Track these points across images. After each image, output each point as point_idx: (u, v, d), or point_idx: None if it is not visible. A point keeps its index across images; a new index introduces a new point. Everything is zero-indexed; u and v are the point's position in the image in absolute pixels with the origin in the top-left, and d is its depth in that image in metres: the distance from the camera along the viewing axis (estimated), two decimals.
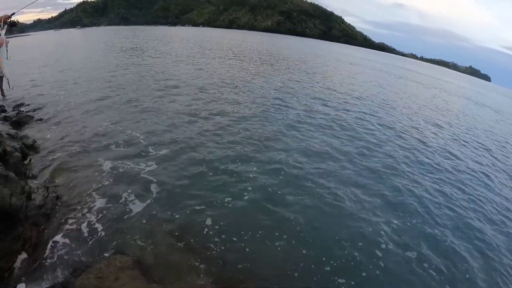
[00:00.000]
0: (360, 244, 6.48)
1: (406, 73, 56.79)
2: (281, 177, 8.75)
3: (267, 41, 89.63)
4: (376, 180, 9.43)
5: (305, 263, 5.74)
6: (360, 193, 8.49)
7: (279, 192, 8.00)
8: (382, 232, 6.97)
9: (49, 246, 5.32)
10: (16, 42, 65.38)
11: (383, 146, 12.50)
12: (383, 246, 6.54)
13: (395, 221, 7.49)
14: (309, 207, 7.54)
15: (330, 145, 11.61)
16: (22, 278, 4.59)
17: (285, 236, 6.37)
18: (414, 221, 7.70)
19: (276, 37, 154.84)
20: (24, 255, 4.94)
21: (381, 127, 15.26)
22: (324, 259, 5.93)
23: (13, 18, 6.40)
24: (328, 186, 8.59)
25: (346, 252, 6.18)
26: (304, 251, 6.02)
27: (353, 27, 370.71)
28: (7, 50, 14.44)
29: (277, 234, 6.42)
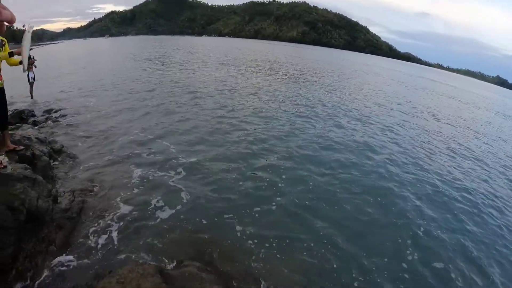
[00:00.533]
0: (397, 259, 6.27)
1: (436, 87, 55.17)
2: (310, 187, 8.65)
3: (293, 52, 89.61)
4: (408, 192, 9.12)
5: (333, 275, 5.59)
6: (393, 205, 8.27)
7: (309, 201, 7.88)
8: (417, 246, 6.71)
9: (72, 249, 5.40)
10: (47, 49, 68.08)
11: (415, 158, 12.10)
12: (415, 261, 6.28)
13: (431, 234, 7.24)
14: (340, 216, 7.42)
15: (360, 156, 11.43)
16: (45, 279, 4.67)
17: (315, 245, 6.25)
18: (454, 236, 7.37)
19: (301, 47, 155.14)
20: (48, 257, 5.02)
21: (413, 141, 14.73)
22: (353, 272, 5.72)
23: None
24: (359, 196, 8.41)
25: (374, 265, 5.97)
26: (334, 264, 5.83)
27: (378, 37, 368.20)
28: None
29: (310, 244, 6.29)
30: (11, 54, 5.46)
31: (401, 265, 6.08)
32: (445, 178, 10.56)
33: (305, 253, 6.04)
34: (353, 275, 5.61)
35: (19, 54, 5.55)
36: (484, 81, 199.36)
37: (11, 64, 5.67)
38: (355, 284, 5.43)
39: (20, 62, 5.38)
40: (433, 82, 65.77)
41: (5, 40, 5.51)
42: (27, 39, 5.11)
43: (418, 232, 7.23)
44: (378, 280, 5.60)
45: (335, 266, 5.77)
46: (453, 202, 9.03)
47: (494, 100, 52.14)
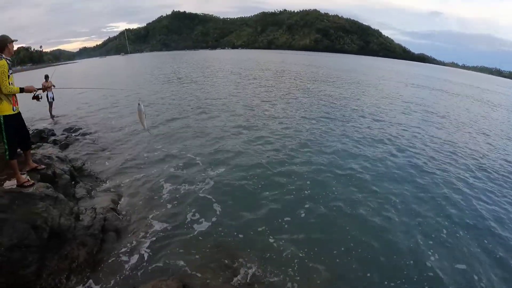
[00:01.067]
0: None
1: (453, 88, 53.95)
2: (337, 192, 8.54)
3: (306, 60, 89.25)
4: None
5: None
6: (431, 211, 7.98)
7: (338, 207, 7.76)
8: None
9: (96, 266, 5.43)
10: (66, 68, 69.95)
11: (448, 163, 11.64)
12: None
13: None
14: (373, 221, 7.26)
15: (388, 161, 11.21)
16: None
17: (348, 252, 6.12)
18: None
19: (315, 55, 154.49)
20: (71, 274, 5.06)
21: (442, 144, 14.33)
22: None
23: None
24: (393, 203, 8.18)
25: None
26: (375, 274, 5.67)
27: (391, 39, 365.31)
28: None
29: (343, 251, 6.19)
30: (21, 90, 5.59)
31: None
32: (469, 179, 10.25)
33: (339, 260, 5.92)
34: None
35: (28, 91, 5.80)
36: (501, 77, 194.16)
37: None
38: None
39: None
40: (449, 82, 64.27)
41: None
42: None
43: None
44: None
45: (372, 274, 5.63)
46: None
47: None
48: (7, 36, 5.30)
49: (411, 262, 6.00)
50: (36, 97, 6.38)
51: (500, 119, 23.33)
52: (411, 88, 37.63)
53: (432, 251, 6.36)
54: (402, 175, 10.02)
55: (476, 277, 5.75)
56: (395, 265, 5.91)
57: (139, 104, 6.54)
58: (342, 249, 6.19)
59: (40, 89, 6.39)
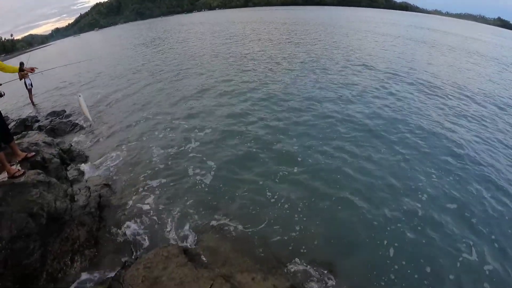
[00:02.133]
0: None
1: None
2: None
3: (285, 16, 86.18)
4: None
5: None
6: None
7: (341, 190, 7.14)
8: None
9: (97, 243, 5.57)
10: (39, 53, 67.46)
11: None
12: None
13: None
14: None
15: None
16: (74, 276, 4.84)
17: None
18: None
19: (295, 9, 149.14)
20: (74, 255, 5.18)
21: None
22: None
23: None
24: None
25: None
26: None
27: None
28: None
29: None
30: None
31: None
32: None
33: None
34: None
35: None
36: (486, 24, 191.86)
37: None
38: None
39: None
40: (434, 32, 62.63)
41: None
42: None
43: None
44: None
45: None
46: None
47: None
48: None
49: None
50: None
51: None
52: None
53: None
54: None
55: None
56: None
57: (79, 96, 6.32)
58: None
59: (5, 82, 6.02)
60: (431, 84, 15.47)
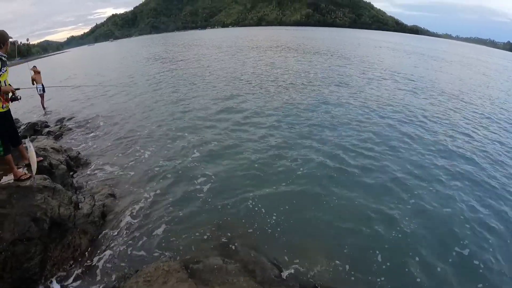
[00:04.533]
0: None
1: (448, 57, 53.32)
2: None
3: (299, 35, 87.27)
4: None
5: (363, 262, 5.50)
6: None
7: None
8: None
9: (98, 252, 5.52)
10: (54, 59, 68.78)
11: None
12: None
13: None
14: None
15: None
16: (73, 284, 4.79)
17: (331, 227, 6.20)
18: None
19: (307, 30, 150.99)
20: (74, 262, 5.15)
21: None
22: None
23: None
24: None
25: None
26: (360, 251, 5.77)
27: (383, 12, 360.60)
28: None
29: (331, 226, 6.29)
30: None
31: None
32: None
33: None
34: None
35: (5, 92, 5.40)
36: (495, 48, 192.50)
37: None
38: None
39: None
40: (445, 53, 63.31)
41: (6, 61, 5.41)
42: None
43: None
44: None
45: (361, 254, 5.70)
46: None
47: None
48: (6, 33, 5.23)
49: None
50: (14, 99, 5.82)
51: None
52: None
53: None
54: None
55: None
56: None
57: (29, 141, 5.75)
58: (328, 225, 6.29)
59: (17, 89, 6.04)
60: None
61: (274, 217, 6.54)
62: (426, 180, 8.14)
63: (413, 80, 22.54)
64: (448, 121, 13.05)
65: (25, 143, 6.02)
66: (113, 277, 4.97)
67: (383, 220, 6.48)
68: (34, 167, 5.49)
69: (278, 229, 6.20)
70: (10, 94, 5.63)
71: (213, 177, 8.19)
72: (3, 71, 5.23)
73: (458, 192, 7.68)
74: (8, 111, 5.58)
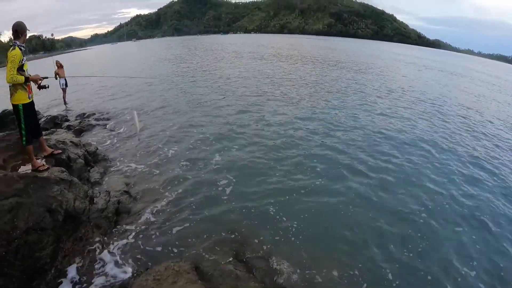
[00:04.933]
0: None
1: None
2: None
3: (321, 45, 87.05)
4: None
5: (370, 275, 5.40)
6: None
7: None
8: None
9: (109, 248, 5.52)
10: (78, 55, 70.28)
11: None
12: None
13: None
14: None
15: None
16: (83, 277, 4.79)
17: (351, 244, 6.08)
18: None
19: (329, 40, 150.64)
20: (86, 255, 5.16)
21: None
22: None
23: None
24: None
25: None
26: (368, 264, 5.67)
27: (406, 24, 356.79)
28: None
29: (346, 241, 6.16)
30: (26, 80, 5.43)
31: None
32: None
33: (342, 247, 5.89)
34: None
35: (33, 80, 5.63)
36: None
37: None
38: None
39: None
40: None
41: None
42: None
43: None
44: None
45: (367, 266, 5.59)
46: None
47: None
48: (24, 24, 5.37)
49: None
50: (43, 87, 6.15)
51: None
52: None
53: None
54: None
55: None
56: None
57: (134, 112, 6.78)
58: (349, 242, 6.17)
59: (45, 78, 6.21)
60: None
61: (293, 227, 6.41)
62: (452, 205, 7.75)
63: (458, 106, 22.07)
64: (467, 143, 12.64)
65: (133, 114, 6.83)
66: (123, 273, 4.95)
67: (399, 239, 6.29)
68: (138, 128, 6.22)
69: (293, 239, 6.07)
70: (40, 82, 5.77)
71: (234, 180, 8.13)
72: (24, 60, 5.34)
73: (481, 216, 7.33)
74: (32, 102, 5.68)
